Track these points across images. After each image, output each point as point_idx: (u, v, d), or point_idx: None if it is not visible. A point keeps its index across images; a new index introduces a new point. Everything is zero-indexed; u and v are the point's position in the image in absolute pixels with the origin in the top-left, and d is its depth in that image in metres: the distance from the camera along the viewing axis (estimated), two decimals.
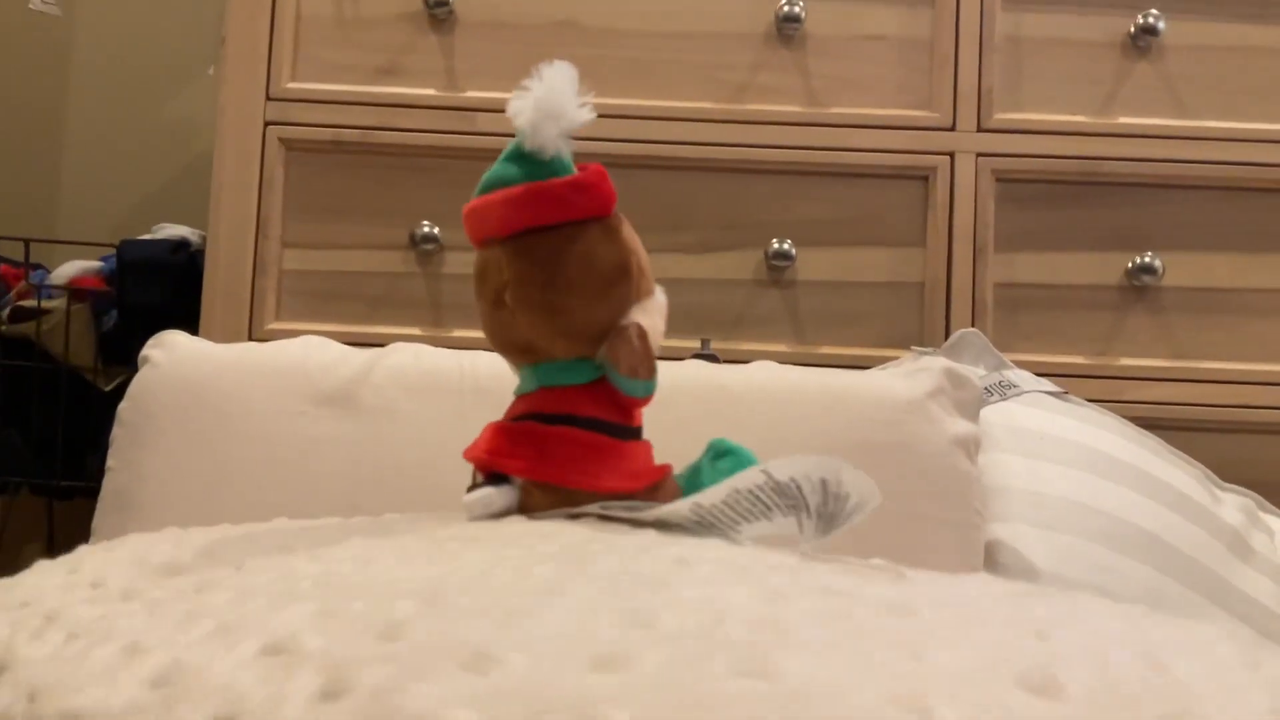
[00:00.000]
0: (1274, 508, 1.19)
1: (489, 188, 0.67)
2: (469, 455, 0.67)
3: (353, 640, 0.36)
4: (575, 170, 0.66)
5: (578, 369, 0.66)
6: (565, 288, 0.65)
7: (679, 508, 0.60)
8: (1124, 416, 1.19)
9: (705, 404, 0.96)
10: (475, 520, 0.62)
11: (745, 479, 0.60)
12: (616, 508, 0.62)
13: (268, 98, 1.35)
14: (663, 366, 0.99)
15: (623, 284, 0.66)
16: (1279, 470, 1.30)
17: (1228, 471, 1.20)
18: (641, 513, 0.61)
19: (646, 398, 0.67)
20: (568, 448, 0.65)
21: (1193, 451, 1.20)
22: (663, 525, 0.60)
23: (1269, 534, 1.14)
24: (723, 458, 0.70)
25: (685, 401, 0.95)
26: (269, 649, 0.37)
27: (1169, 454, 1.16)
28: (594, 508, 0.63)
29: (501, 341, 0.68)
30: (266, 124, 1.35)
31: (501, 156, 0.67)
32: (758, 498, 0.59)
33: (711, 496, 0.60)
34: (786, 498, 0.59)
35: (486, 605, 0.39)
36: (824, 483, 0.59)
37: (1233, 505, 1.14)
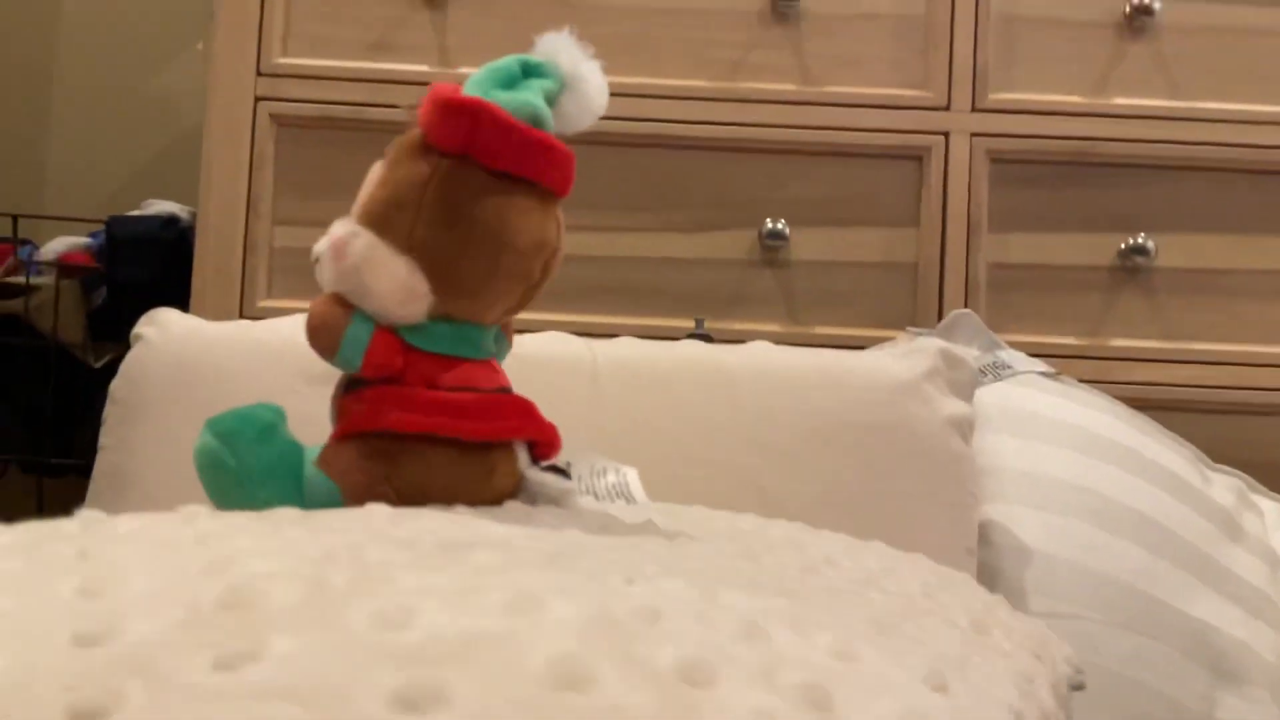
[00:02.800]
0: (1264, 488, 1.19)
1: (538, 119, 0.60)
2: (494, 430, 0.61)
3: None
4: None
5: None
6: None
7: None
8: (1116, 397, 1.19)
9: (701, 384, 0.95)
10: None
11: None
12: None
13: (258, 73, 1.34)
14: (660, 346, 1.00)
15: None
16: (1269, 451, 1.31)
17: (1218, 452, 1.20)
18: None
19: None
20: None
21: (1183, 432, 1.20)
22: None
23: (1259, 515, 1.14)
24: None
25: (682, 381, 0.95)
26: None
27: (1160, 434, 1.16)
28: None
29: (502, 294, 0.61)
30: (257, 99, 1.34)
31: (526, 85, 0.61)
32: None
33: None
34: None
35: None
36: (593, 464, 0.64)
37: (1223, 486, 1.15)
